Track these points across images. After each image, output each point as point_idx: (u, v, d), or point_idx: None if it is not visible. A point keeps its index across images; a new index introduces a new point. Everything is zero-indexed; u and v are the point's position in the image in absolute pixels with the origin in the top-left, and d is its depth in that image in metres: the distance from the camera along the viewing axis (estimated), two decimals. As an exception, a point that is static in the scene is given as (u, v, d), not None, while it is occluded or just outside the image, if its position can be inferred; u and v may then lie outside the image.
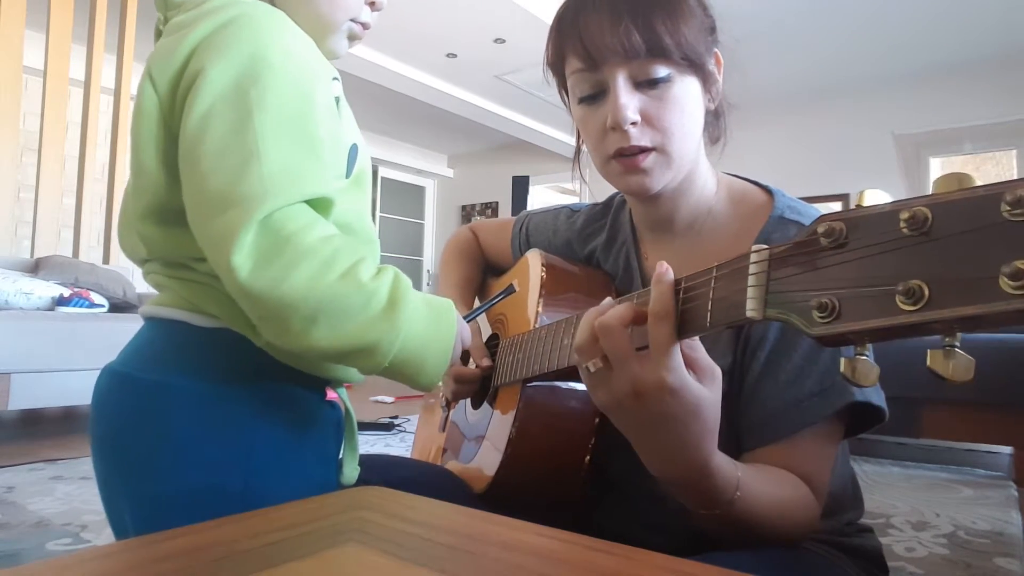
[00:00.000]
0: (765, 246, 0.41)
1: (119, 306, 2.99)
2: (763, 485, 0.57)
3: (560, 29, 0.69)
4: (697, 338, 0.51)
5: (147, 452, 0.55)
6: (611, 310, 0.50)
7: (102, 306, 2.83)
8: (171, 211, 0.55)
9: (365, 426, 2.81)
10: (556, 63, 0.72)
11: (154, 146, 0.55)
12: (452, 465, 0.88)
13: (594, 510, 0.76)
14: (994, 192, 0.30)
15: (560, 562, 0.35)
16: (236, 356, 0.55)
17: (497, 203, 7.93)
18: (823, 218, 0.37)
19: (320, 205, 0.53)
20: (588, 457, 0.72)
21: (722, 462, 0.53)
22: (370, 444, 2.53)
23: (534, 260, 0.83)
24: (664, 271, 0.48)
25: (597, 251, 0.86)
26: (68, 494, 1.76)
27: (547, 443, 0.72)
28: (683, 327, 0.47)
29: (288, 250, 0.49)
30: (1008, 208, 0.29)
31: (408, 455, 1.05)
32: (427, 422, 1.09)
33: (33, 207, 3.46)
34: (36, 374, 2.39)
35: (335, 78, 0.60)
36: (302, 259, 0.49)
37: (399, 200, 8.24)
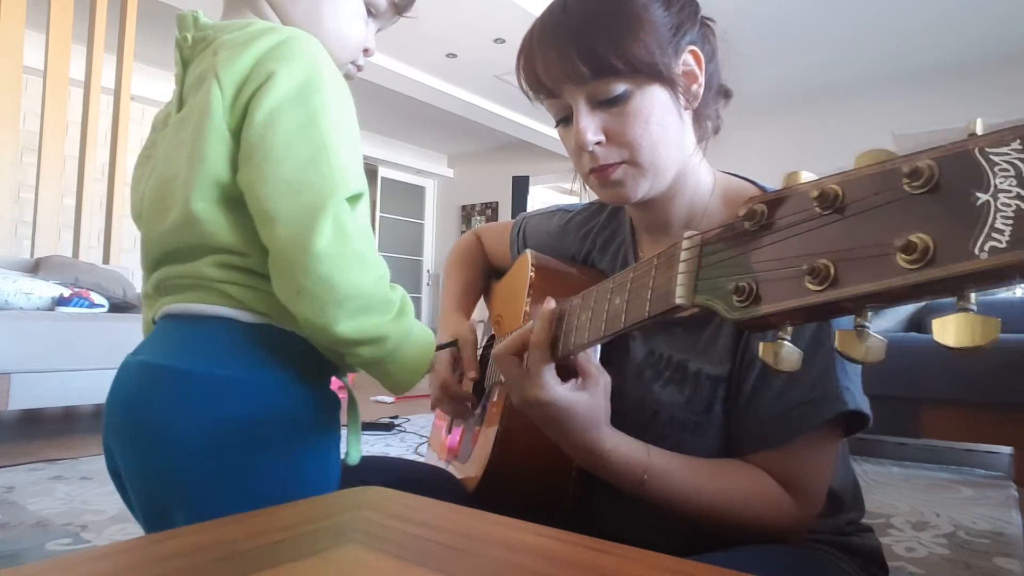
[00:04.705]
0: (697, 232, 0.41)
1: (119, 306, 2.99)
2: (688, 473, 0.61)
3: (521, 64, 0.71)
4: (597, 347, 0.55)
5: (199, 435, 0.61)
6: (506, 340, 0.61)
7: (102, 306, 2.83)
8: (229, 194, 0.63)
9: (365, 426, 2.80)
10: (532, 91, 0.73)
11: (218, 136, 0.62)
12: (453, 464, 0.88)
13: (589, 509, 0.76)
14: (895, 166, 0.29)
15: (560, 562, 0.35)
16: (280, 347, 0.64)
17: (497, 203, 7.93)
18: (748, 200, 0.36)
19: (358, 198, 0.63)
20: None
21: (622, 449, 0.60)
22: (370, 444, 2.53)
23: (527, 261, 0.84)
24: (547, 305, 0.58)
25: (594, 250, 0.87)
26: (68, 494, 1.76)
27: (535, 441, 0.72)
28: (627, 321, 0.47)
29: (348, 245, 0.59)
30: (907, 180, 0.28)
31: (408, 455, 1.05)
32: (438, 426, 1.10)
33: (33, 207, 3.45)
34: (36, 374, 2.39)
35: None
36: (355, 257, 0.59)
37: (399, 200, 8.23)
